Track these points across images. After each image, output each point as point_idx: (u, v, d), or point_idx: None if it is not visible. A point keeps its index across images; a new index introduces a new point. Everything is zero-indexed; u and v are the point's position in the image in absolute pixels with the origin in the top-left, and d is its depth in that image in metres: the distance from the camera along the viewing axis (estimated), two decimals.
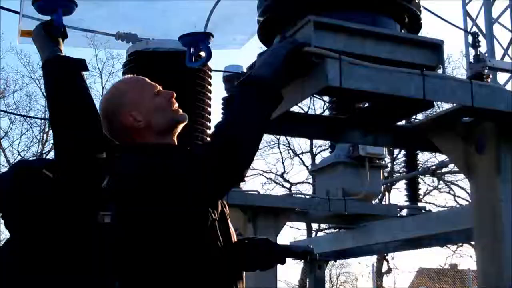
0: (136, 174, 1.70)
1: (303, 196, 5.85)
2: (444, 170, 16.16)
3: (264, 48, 2.52)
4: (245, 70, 2.44)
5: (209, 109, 3.75)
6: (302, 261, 2.10)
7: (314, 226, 19.33)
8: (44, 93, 1.82)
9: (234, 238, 1.93)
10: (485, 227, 2.52)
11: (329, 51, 1.99)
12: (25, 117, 19.95)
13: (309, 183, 20.56)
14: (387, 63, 2.12)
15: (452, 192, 20.37)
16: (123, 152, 1.83)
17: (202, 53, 2.40)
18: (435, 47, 2.22)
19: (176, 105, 1.95)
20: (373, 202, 5.90)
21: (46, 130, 19.98)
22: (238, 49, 2.79)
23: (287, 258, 1.99)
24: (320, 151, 20.90)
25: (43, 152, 19.81)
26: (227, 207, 1.93)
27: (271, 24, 2.39)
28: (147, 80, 1.97)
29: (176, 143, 1.92)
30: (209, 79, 3.79)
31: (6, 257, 1.54)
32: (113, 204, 1.76)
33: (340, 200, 5.20)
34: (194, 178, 1.64)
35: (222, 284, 1.77)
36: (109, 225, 1.81)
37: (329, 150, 6.28)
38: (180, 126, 1.94)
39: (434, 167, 6.47)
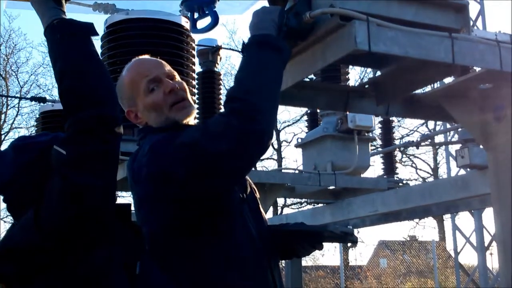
0: (149, 152, 1.56)
1: (292, 171, 5.69)
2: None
3: None
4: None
5: (194, 74, 3.58)
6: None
7: (280, 202, 19.15)
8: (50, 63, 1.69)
9: (267, 224, 1.76)
10: (503, 194, 2.43)
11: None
12: None
13: (273, 159, 20.45)
14: (409, 26, 1.97)
15: (414, 165, 20.64)
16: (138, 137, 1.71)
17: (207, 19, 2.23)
18: (460, 9, 2.09)
19: (176, 98, 1.71)
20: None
21: (4, 110, 19.38)
22: (239, 15, 2.61)
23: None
24: (284, 127, 20.83)
25: (1, 133, 19.18)
26: (257, 192, 1.77)
27: None
28: (148, 65, 1.75)
29: None
30: (193, 50, 3.61)
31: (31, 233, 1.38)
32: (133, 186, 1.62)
33: (330, 175, 5.08)
34: (212, 145, 1.43)
35: (255, 273, 1.61)
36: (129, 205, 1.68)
37: (306, 125, 6.11)
38: (188, 119, 1.72)
39: (418, 139, 6.37)
